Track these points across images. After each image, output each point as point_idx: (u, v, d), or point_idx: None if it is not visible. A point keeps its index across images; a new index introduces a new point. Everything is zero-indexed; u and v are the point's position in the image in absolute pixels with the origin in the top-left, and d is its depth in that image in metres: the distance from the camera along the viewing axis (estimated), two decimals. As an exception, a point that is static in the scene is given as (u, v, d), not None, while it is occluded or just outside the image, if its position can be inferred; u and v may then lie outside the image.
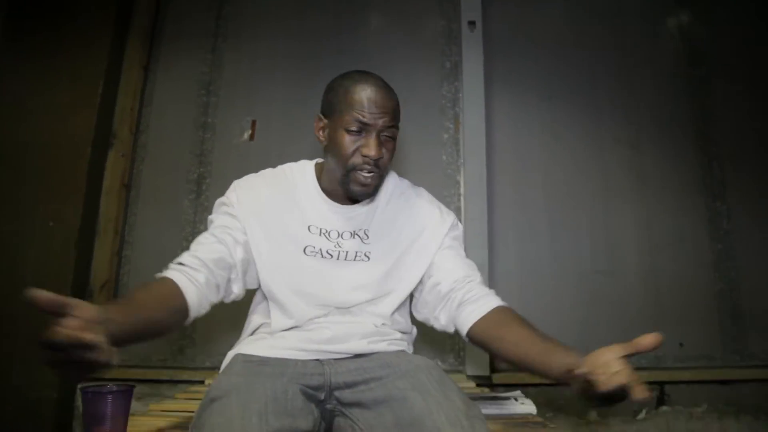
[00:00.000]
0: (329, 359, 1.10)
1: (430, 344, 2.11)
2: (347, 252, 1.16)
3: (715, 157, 2.30)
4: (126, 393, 0.99)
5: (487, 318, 1.11)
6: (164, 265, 1.07)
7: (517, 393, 1.40)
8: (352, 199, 1.18)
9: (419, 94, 2.28)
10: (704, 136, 2.32)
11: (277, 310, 1.14)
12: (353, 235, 1.18)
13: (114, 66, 2.23)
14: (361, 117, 1.07)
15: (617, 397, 0.81)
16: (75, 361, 0.66)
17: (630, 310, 2.14)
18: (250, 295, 1.24)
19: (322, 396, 1.03)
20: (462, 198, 2.19)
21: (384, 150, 1.10)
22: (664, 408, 2.04)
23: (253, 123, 2.31)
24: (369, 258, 1.17)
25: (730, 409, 2.05)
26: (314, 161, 1.25)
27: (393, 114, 1.11)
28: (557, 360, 0.94)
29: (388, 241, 1.19)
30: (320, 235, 1.16)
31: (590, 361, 0.84)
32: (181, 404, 1.36)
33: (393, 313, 1.19)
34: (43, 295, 0.66)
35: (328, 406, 1.04)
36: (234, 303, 1.18)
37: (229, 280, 1.12)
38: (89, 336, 0.66)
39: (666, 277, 2.19)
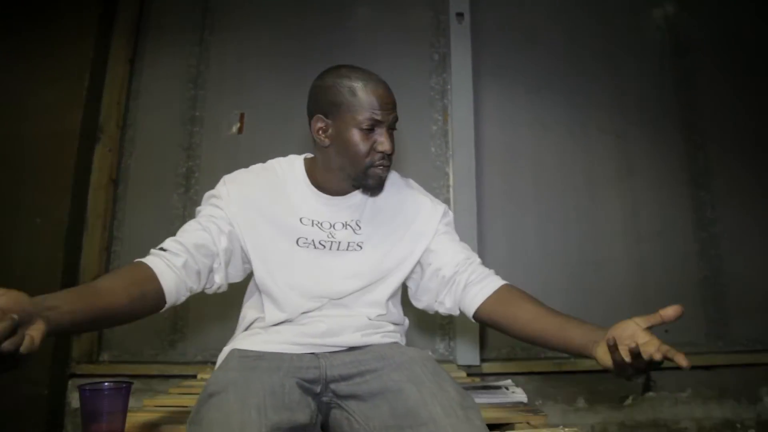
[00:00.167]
0: (324, 353, 1.11)
1: (420, 335, 2.13)
2: (340, 242, 1.17)
3: (700, 146, 2.34)
4: (124, 390, 0.99)
5: (494, 297, 1.13)
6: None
7: (508, 382, 1.43)
8: (343, 192, 1.19)
9: (407, 86, 2.27)
10: (690, 127, 2.35)
11: (271, 303, 1.15)
12: (345, 225, 1.18)
13: (100, 61, 2.21)
14: (375, 115, 1.08)
15: (649, 366, 0.84)
16: None
17: (617, 298, 2.18)
18: (239, 288, 1.23)
19: (318, 389, 1.04)
20: (451, 189, 2.20)
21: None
22: (650, 394, 2.09)
23: (242, 116, 2.30)
24: (361, 247, 1.18)
25: (713, 393, 2.10)
26: (303, 156, 1.25)
27: (396, 107, 1.14)
28: (577, 334, 0.98)
29: (380, 231, 1.20)
30: (312, 226, 1.16)
31: (617, 334, 0.87)
32: (176, 399, 1.35)
33: (387, 300, 1.20)
34: None
35: (325, 399, 1.05)
36: (224, 297, 1.17)
37: (211, 269, 1.11)
38: None
39: (652, 266, 2.23)
